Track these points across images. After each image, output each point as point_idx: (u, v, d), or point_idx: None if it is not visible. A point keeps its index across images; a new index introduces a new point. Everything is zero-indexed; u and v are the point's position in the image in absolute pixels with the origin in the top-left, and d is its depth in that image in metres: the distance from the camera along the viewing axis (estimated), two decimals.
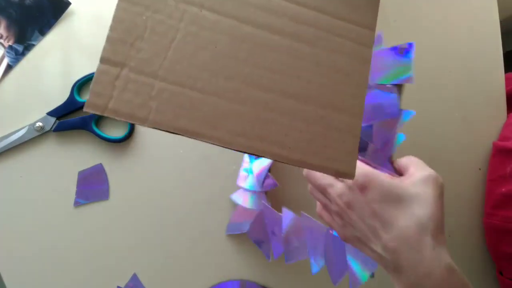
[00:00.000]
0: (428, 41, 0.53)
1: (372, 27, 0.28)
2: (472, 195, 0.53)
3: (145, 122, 0.24)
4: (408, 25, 0.53)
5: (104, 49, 0.24)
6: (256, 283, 0.51)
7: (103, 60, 0.24)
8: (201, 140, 0.25)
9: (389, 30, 0.53)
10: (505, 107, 0.54)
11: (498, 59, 0.54)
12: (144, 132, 0.51)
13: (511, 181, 0.47)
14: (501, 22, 0.54)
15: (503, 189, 0.48)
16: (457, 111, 0.53)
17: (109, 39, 0.24)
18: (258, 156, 0.26)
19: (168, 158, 0.51)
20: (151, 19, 0.25)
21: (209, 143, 0.25)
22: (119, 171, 0.51)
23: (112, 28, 0.24)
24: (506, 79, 0.53)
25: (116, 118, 0.24)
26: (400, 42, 0.53)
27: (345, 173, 0.27)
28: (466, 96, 0.53)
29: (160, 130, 0.24)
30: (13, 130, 0.49)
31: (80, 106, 0.49)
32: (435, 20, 0.54)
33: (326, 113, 0.27)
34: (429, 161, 0.53)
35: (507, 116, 0.53)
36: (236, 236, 0.51)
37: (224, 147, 0.25)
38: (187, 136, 0.25)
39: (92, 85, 0.23)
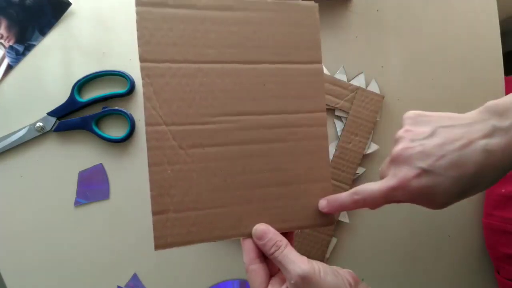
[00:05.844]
0: (428, 42, 0.53)
1: (322, 109, 0.36)
2: None
3: (192, 243, 0.33)
4: (408, 26, 0.53)
5: (152, 205, 0.32)
6: None
7: (154, 213, 0.32)
8: (231, 239, 0.34)
9: (389, 31, 0.53)
10: None
11: (498, 60, 0.54)
12: (144, 132, 0.51)
13: (511, 182, 0.47)
14: (501, 22, 0.54)
15: (503, 190, 0.48)
16: (457, 112, 0.53)
17: (152, 197, 0.32)
18: None
19: None
20: (173, 171, 0.32)
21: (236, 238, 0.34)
22: (120, 171, 0.51)
23: (151, 189, 0.32)
24: (506, 82, 0.53)
25: (175, 247, 0.32)
26: (400, 43, 0.53)
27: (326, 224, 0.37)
28: (465, 96, 0.53)
29: (202, 243, 0.33)
30: (13, 130, 0.49)
31: (80, 106, 0.49)
32: (435, 21, 0.54)
33: (306, 186, 0.35)
34: None
35: None
36: None
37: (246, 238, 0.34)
38: (221, 240, 0.33)
39: (153, 231, 0.32)
